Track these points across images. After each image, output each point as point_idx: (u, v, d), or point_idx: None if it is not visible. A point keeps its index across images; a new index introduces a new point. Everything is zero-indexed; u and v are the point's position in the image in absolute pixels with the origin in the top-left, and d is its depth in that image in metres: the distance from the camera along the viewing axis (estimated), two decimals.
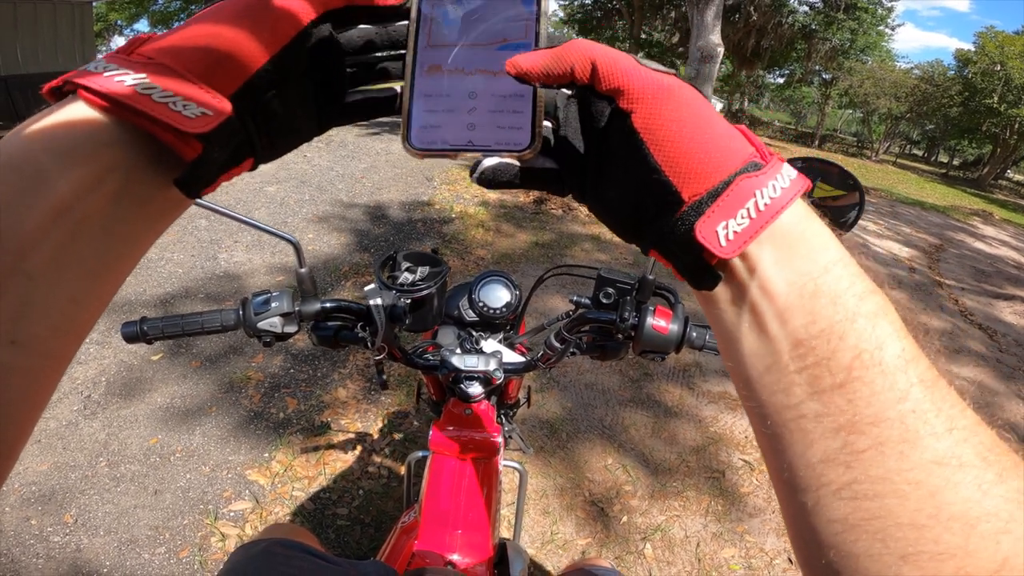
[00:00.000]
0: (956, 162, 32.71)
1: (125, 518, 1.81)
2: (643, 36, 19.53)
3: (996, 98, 20.80)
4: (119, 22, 21.08)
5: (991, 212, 13.45)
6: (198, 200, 0.66)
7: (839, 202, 0.70)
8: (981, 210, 13.49)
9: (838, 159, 20.64)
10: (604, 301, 0.80)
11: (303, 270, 0.77)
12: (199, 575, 1.66)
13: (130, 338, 0.73)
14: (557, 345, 0.86)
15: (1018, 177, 33.14)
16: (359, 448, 2.19)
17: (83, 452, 2.03)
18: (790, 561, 1.93)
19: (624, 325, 0.74)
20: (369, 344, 0.76)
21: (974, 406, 0.25)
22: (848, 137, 34.38)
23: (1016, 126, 21.65)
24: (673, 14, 18.32)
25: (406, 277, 0.90)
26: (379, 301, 0.74)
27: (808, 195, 0.68)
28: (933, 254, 7.09)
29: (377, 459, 2.14)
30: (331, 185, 5.82)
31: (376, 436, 2.26)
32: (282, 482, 1.99)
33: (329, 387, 2.52)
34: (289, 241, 0.76)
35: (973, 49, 22.23)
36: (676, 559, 1.90)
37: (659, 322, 0.73)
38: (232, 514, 1.86)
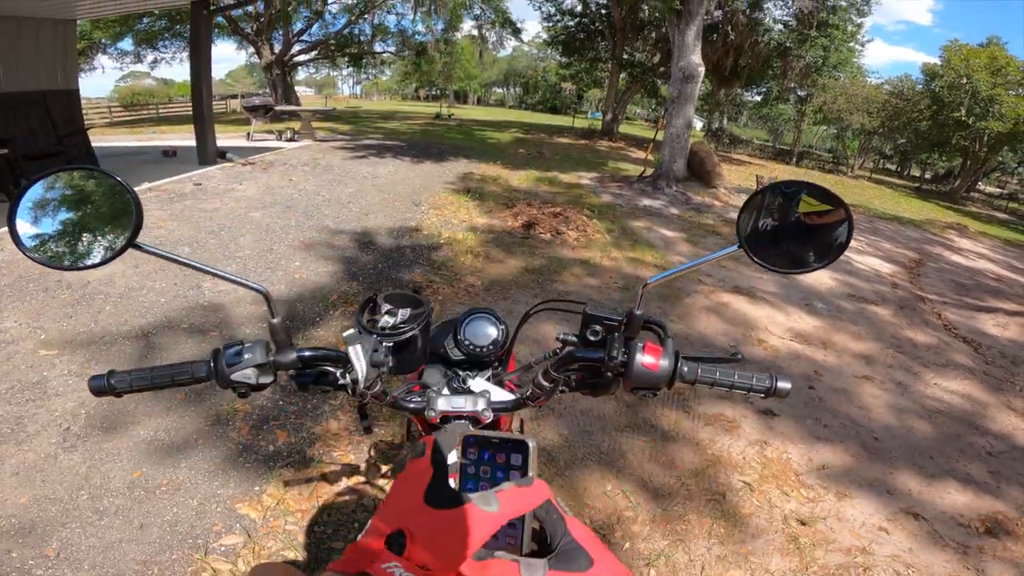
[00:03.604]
0: (928, 175, 33.73)
1: (111, 552, 1.73)
2: (625, 57, 19.95)
3: (964, 111, 21.47)
4: (103, 40, 20.99)
5: (966, 225, 13.84)
6: (147, 248, 0.63)
7: (825, 219, 0.70)
8: (956, 223, 13.87)
9: (815, 176, 21.17)
10: (591, 339, 0.78)
11: (275, 320, 0.73)
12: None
13: (98, 392, 0.70)
14: (546, 384, 0.84)
15: (989, 189, 34.21)
16: (353, 480, 2.13)
17: (63, 485, 1.95)
18: None
19: (613, 363, 0.72)
20: (351, 391, 0.74)
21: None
22: (824, 153, 35.27)
23: (984, 138, 22.37)
24: (654, 35, 18.78)
25: (387, 320, 0.87)
26: (359, 347, 0.71)
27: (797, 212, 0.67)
28: (914, 269, 7.24)
29: (372, 491, 2.08)
30: (317, 211, 5.77)
31: (370, 468, 2.20)
32: (274, 515, 1.93)
33: (320, 419, 2.46)
34: (258, 292, 0.72)
35: (939, 63, 23.02)
36: None
37: (648, 359, 0.71)
38: (223, 548, 1.79)
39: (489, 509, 0.47)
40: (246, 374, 0.70)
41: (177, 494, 1.98)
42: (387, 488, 2.11)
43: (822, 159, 30.66)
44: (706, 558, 1.96)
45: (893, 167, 37.77)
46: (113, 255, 0.67)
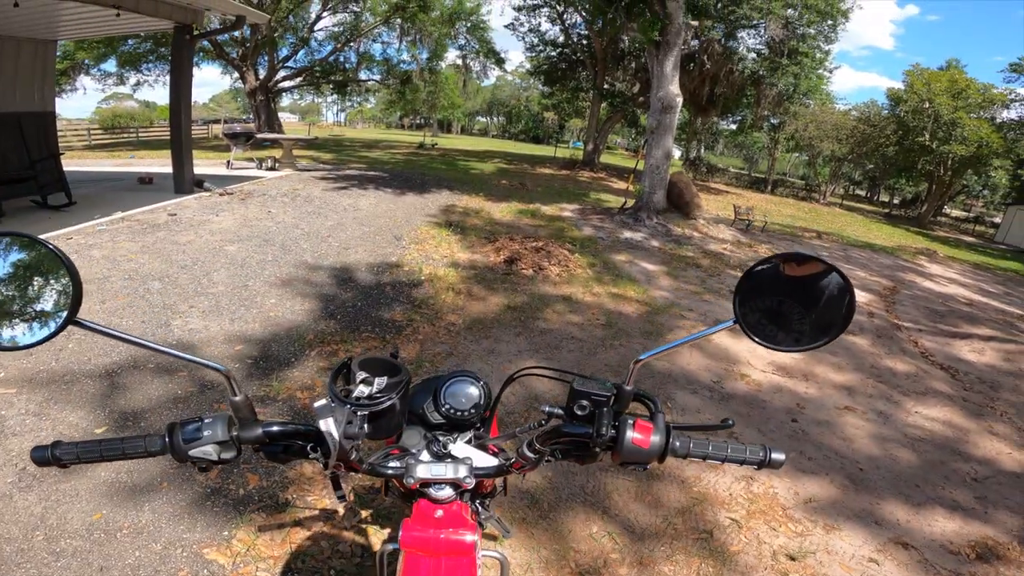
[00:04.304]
0: (896, 201, 34.96)
1: None
2: (606, 87, 20.49)
3: (928, 135, 22.32)
4: (86, 61, 20.89)
5: (935, 250, 14.31)
6: (89, 325, 0.58)
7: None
8: (925, 248, 14.34)
9: (789, 204, 21.75)
10: (579, 413, 0.76)
11: (238, 398, 0.70)
12: None
13: (41, 463, 0.66)
14: (531, 456, 0.82)
15: (955, 212, 35.55)
16: (328, 525, 2.03)
17: (17, 525, 1.85)
18: None
19: (602, 440, 0.70)
20: (323, 466, 0.71)
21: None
22: (797, 181, 36.38)
23: (949, 162, 23.24)
24: (634, 65, 19.36)
25: (362, 390, 0.84)
26: (331, 420, 0.68)
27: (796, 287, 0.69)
28: (888, 297, 7.41)
29: (347, 537, 1.99)
30: (296, 244, 5.69)
31: (347, 513, 2.11)
32: (244, 562, 1.83)
33: (293, 462, 2.35)
34: (218, 371, 0.68)
35: (903, 87, 23.96)
36: None
37: (638, 435, 0.69)
38: None
39: None
40: (206, 451, 0.67)
41: (139, 537, 1.88)
42: (367, 532, 2.02)
43: (795, 186, 31.61)
44: None
45: (863, 193, 39.10)
46: (50, 334, 0.61)
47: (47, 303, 0.62)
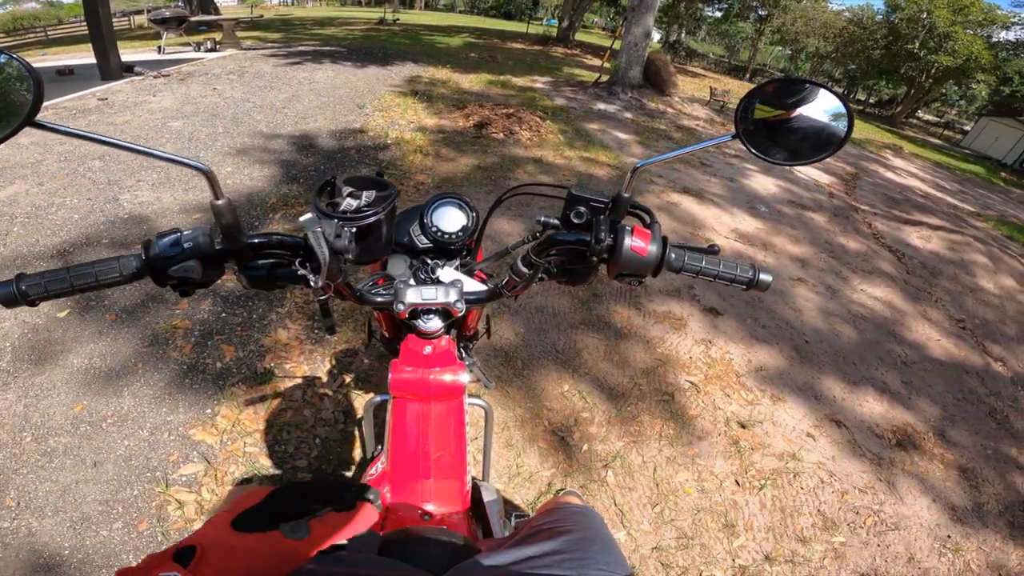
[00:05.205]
0: (872, 100, 34.78)
1: (70, 495, 1.62)
2: None
3: (917, 44, 22.33)
4: None
5: (901, 146, 14.49)
6: (51, 125, 0.54)
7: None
8: (893, 144, 14.48)
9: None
10: (576, 221, 0.72)
11: (220, 202, 0.61)
12: (164, 547, 1.53)
13: (7, 301, 0.58)
14: (524, 270, 0.79)
15: (927, 117, 35.95)
16: (309, 393, 2.07)
17: (4, 428, 1.78)
18: (737, 483, 2.04)
19: (599, 247, 0.67)
20: (311, 283, 0.65)
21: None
22: (776, 73, 35.42)
23: (932, 71, 23.38)
24: None
25: (349, 203, 0.78)
26: (319, 231, 0.63)
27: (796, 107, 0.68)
28: (850, 181, 7.62)
29: (330, 403, 2.04)
30: (248, 117, 5.27)
31: (326, 379, 2.15)
32: (232, 439, 1.85)
33: (268, 329, 2.35)
34: (199, 170, 0.59)
35: None
36: (636, 484, 1.96)
37: (637, 242, 0.66)
38: (184, 479, 1.70)
39: (296, 537, 0.48)
40: (188, 267, 0.60)
41: (125, 425, 1.85)
42: (350, 397, 2.07)
43: (774, 76, 30.83)
44: (658, 459, 2.05)
45: (840, 90, 38.51)
46: (7, 133, 0.54)
47: (5, 105, 0.56)
